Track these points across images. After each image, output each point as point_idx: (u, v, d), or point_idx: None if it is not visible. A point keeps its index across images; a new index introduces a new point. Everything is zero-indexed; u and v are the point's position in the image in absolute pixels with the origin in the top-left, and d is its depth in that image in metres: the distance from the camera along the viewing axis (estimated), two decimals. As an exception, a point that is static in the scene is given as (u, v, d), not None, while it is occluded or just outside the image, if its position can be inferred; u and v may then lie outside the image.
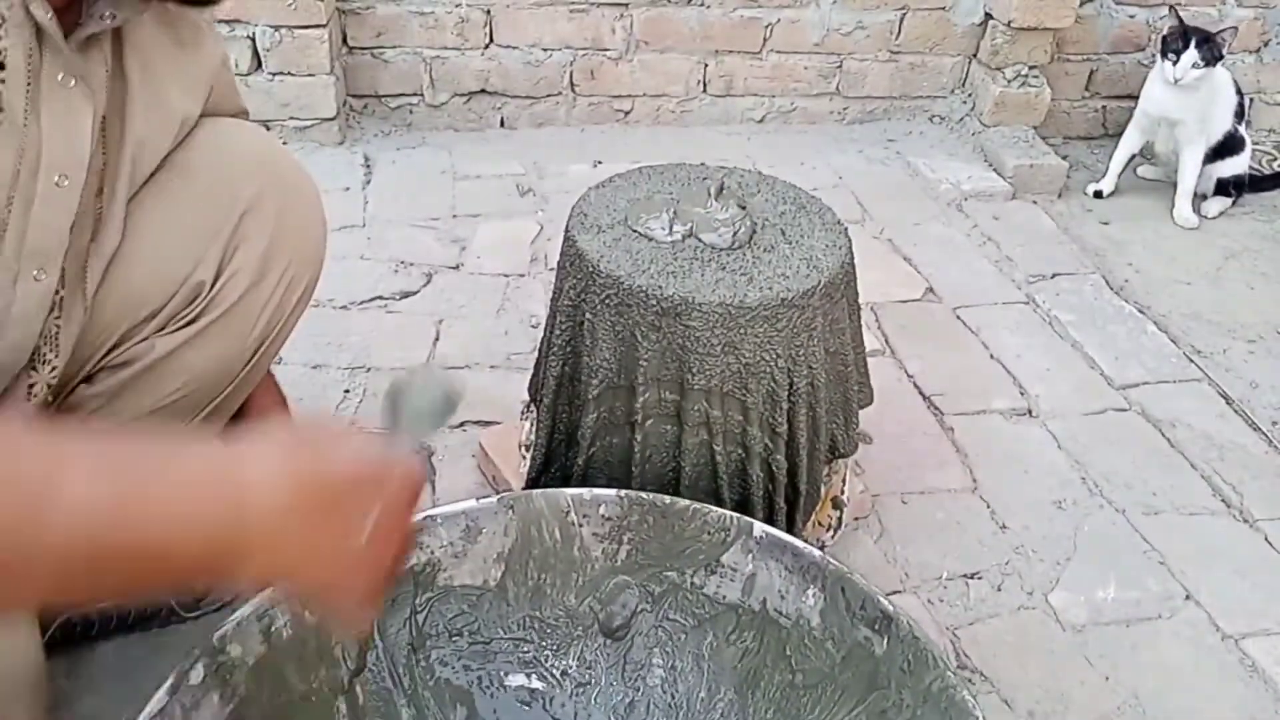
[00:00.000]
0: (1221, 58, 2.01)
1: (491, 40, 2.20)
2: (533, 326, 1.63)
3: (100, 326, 0.83)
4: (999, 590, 1.23)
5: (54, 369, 0.79)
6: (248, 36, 1.99)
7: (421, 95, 2.24)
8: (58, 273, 0.75)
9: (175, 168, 0.83)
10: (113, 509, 0.48)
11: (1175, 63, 2.01)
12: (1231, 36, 2.00)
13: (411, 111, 2.25)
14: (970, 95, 2.43)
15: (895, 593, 1.20)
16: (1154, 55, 2.43)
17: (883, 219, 2.08)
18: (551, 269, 1.75)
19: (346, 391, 1.43)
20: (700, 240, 1.02)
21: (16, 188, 0.68)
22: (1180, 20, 2.04)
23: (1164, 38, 2.06)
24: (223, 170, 0.85)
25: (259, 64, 2.03)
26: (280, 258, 0.88)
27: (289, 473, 0.53)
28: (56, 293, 0.76)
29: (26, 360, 0.77)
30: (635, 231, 1.03)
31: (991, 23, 2.31)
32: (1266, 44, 2.52)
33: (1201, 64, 1.99)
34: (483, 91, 2.26)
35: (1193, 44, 2.00)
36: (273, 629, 0.79)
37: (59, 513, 0.46)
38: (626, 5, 2.22)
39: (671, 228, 1.02)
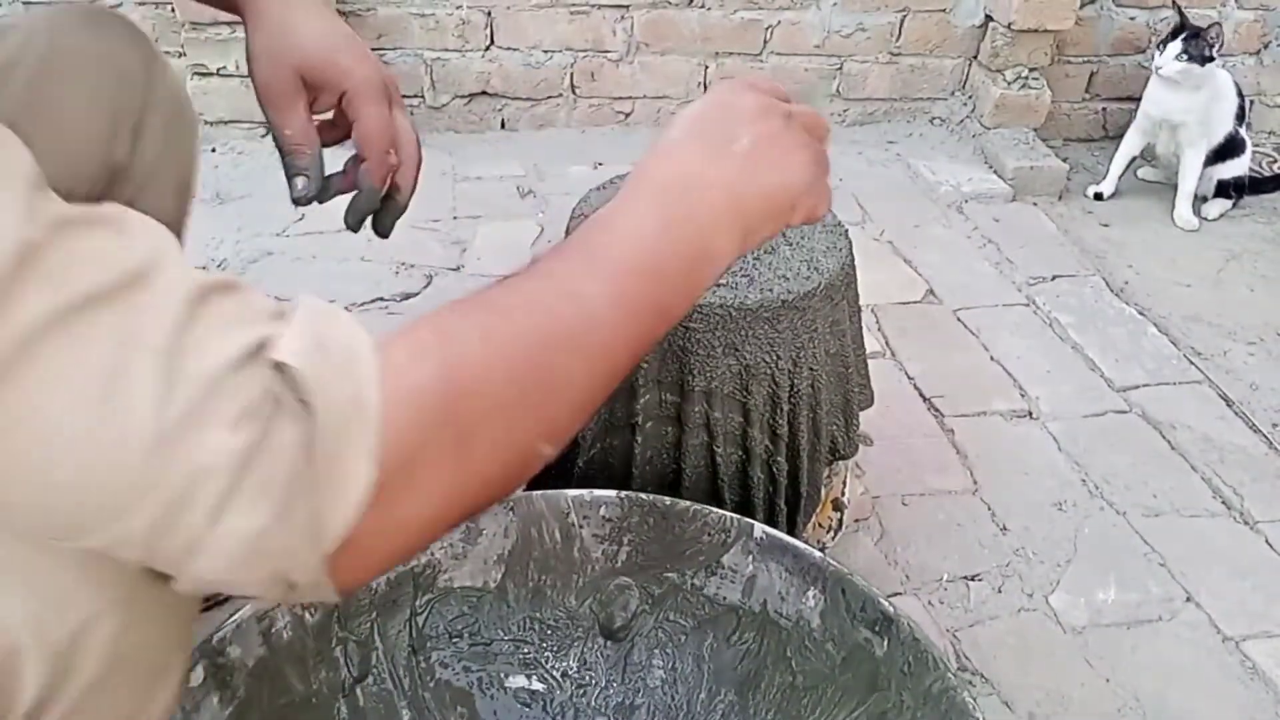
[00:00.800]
0: (1211, 57, 2.01)
1: (492, 42, 2.21)
2: (533, 328, 1.62)
3: None
4: (999, 592, 1.23)
5: None
6: (249, 38, 1.99)
7: (422, 97, 2.25)
8: None
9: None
10: (613, 270, 0.55)
11: (1161, 53, 2.02)
12: (1218, 34, 2.00)
13: (412, 113, 2.25)
14: (970, 97, 2.44)
15: (896, 594, 1.20)
16: (1154, 56, 2.44)
17: (883, 221, 2.08)
18: (552, 271, 1.75)
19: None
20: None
21: None
22: (1182, 16, 2.05)
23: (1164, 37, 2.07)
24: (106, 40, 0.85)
25: (260, 66, 2.03)
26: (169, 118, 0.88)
27: (655, 149, 0.67)
28: None
29: None
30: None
31: (992, 25, 2.32)
32: (1266, 46, 2.52)
33: (1186, 58, 1.99)
34: (483, 93, 2.27)
35: (1180, 37, 2.00)
36: (272, 631, 0.79)
37: (591, 311, 0.53)
38: (627, 7, 2.22)
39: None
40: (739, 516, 0.90)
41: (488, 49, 2.21)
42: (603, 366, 0.54)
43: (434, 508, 0.47)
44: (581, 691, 0.93)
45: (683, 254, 0.59)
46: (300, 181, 0.83)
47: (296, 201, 0.85)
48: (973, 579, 1.24)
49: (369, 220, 0.86)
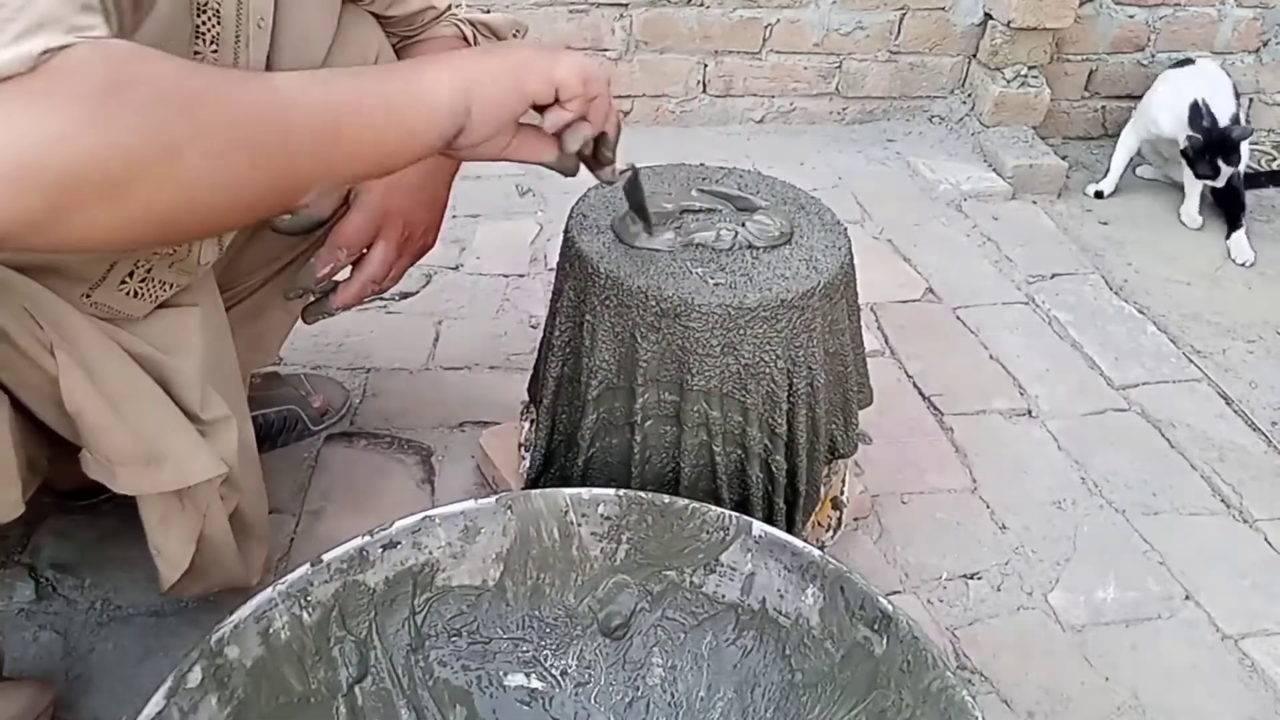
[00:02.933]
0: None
1: (491, 41, 2.20)
2: (532, 327, 1.63)
3: None
4: (999, 590, 1.23)
5: None
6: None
7: (421, 96, 2.24)
8: None
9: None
10: (314, 77, 0.66)
11: (1216, 176, 2.06)
12: (1242, 131, 2.06)
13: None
14: (970, 95, 2.43)
15: (895, 593, 1.20)
16: (1153, 55, 2.45)
17: (882, 219, 2.08)
18: (551, 269, 1.75)
19: (347, 392, 1.43)
20: (699, 241, 1.02)
21: (240, 28, 0.80)
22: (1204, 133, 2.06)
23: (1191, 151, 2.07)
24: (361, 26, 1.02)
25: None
26: None
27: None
28: None
29: None
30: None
31: (991, 23, 2.31)
32: (1265, 44, 2.52)
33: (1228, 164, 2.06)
34: (482, 92, 2.26)
35: (1217, 156, 2.05)
36: (271, 631, 0.79)
37: (275, 82, 0.63)
38: (626, 5, 2.22)
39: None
40: (738, 514, 0.90)
41: (487, 48, 2.21)
42: (270, 124, 0.61)
43: (56, 131, 0.52)
44: (580, 690, 0.93)
45: (394, 88, 0.68)
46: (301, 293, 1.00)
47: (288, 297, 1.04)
48: (972, 577, 1.24)
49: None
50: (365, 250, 0.98)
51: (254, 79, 0.64)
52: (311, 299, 1.05)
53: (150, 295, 0.85)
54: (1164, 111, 2.12)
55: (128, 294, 0.83)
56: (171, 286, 0.86)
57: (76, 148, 0.52)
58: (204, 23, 0.78)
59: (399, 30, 1.06)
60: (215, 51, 0.80)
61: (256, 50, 0.83)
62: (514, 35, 1.12)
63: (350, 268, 0.98)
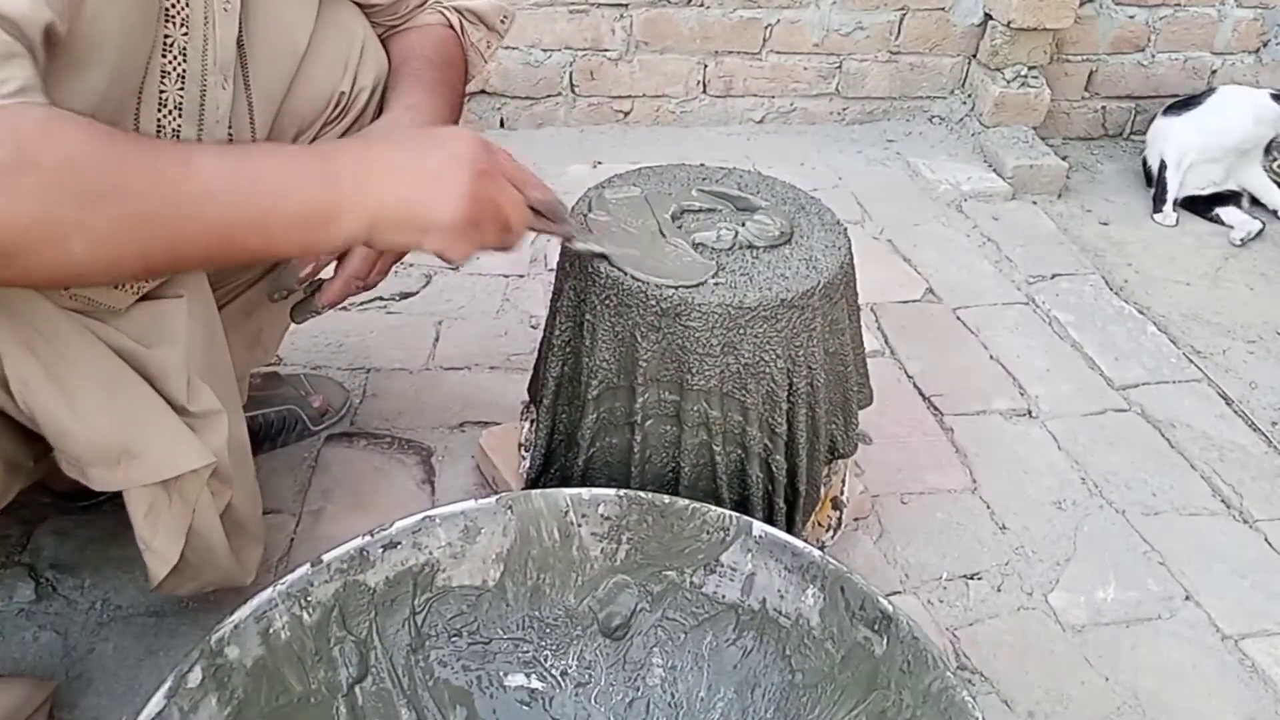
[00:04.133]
0: None
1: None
2: (532, 327, 1.63)
3: (283, 132, 0.99)
4: (999, 591, 1.23)
5: None
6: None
7: (421, 96, 2.24)
8: (234, 83, 0.87)
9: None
10: (235, 173, 0.68)
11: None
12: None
13: (411, 112, 2.25)
14: (970, 96, 2.43)
15: (895, 593, 1.20)
16: (1153, 56, 2.45)
17: (882, 219, 2.08)
18: (551, 269, 1.75)
19: (347, 392, 1.43)
20: (699, 241, 1.02)
21: (208, 10, 0.82)
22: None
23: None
24: (343, 13, 1.03)
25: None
26: (377, 74, 1.04)
27: (369, 138, 0.80)
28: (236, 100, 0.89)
29: None
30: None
31: (991, 23, 2.31)
32: (1265, 44, 2.52)
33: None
34: (482, 92, 2.27)
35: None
36: (271, 631, 0.79)
37: (194, 175, 0.66)
38: (626, 6, 2.22)
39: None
40: (738, 515, 0.90)
41: (493, 55, 2.21)
42: (168, 224, 0.66)
43: None
44: (580, 690, 0.93)
45: (302, 199, 0.71)
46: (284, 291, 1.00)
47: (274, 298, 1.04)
48: (972, 578, 1.24)
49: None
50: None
51: (167, 168, 0.66)
52: (297, 298, 1.04)
53: (132, 287, 0.84)
54: (1231, 120, 2.16)
55: (109, 286, 0.82)
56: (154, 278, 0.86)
57: None
58: (173, 4, 0.79)
59: (383, 20, 1.06)
60: (185, 34, 0.80)
61: (224, 33, 0.83)
62: (501, 22, 1.12)
63: (334, 265, 0.97)
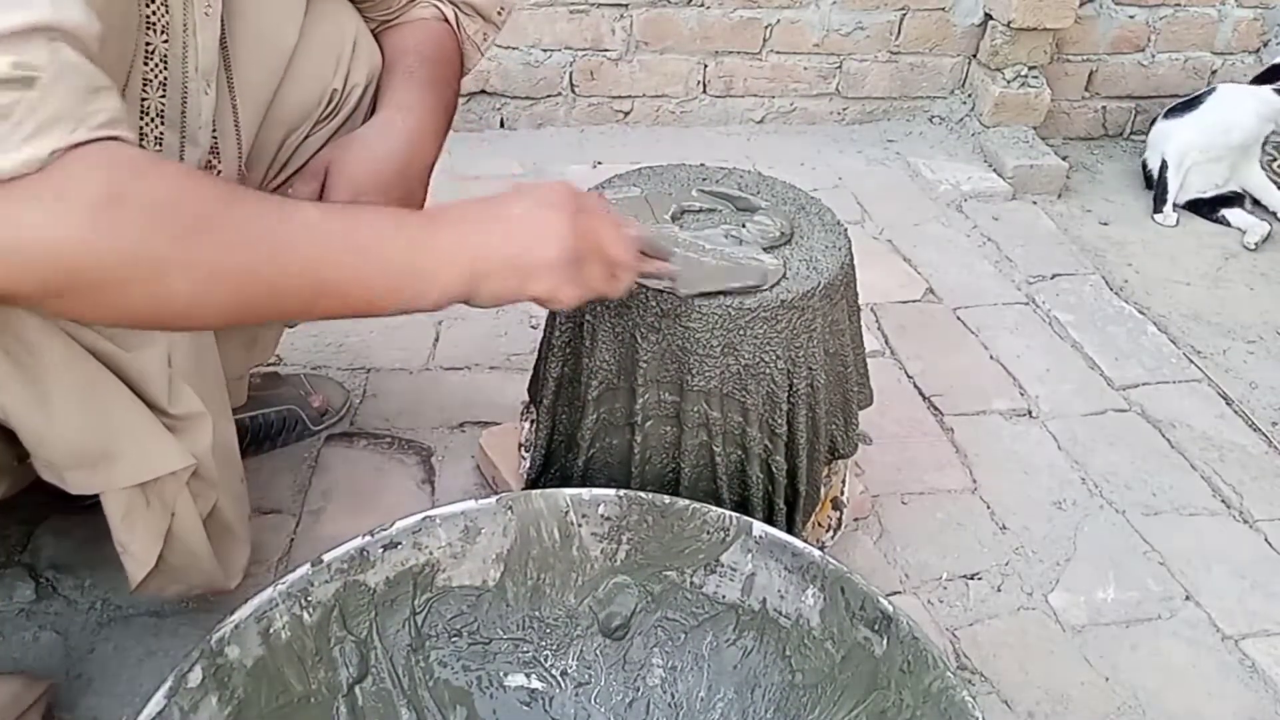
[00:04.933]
0: None
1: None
2: (532, 327, 1.63)
3: (272, 132, 0.99)
4: (999, 591, 1.23)
5: (219, 173, 0.93)
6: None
7: (421, 96, 2.24)
8: (216, 89, 0.87)
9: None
10: (333, 218, 0.69)
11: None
12: None
13: (411, 112, 2.25)
14: (970, 96, 2.43)
15: (895, 593, 1.20)
16: (1153, 56, 2.45)
17: (882, 220, 2.08)
18: (551, 269, 1.75)
19: (347, 392, 1.43)
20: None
21: (187, 16, 0.81)
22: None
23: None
24: (335, 8, 1.02)
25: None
26: (370, 70, 1.04)
27: (469, 202, 0.76)
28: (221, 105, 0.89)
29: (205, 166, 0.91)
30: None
31: (991, 23, 2.31)
32: (1265, 44, 2.52)
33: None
34: (482, 92, 2.27)
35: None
36: (271, 631, 0.79)
37: (291, 217, 0.66)
38: (626, 6, 2.22)
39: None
40: (738, 515, 0.90)
41: (489, 47, 2.21)
42: (264, 266, 0.65)
43: (60, 236, 0.57)
44: (581, 690, 0.93)
45: (402, 252, 0.70)
46: None
47: None
48: (972, 578, 1.24)
49: None
50: None
51: (271, 210, 0.66)
52: None
53: None
54: (1234, 117, 2.16)
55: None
56: None
57: (73, 252, 0.58)
58: (154, 12, 0.78)
59: (376, 15, 1.06)
60: (166, 42, 0.80)
61: (205, 39, 0.83)
62: (498, 14, 1.11)
63: None
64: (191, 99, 0.84)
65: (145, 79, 0.80)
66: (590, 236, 0.77)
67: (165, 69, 0.81)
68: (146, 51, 0.79)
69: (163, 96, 0.82)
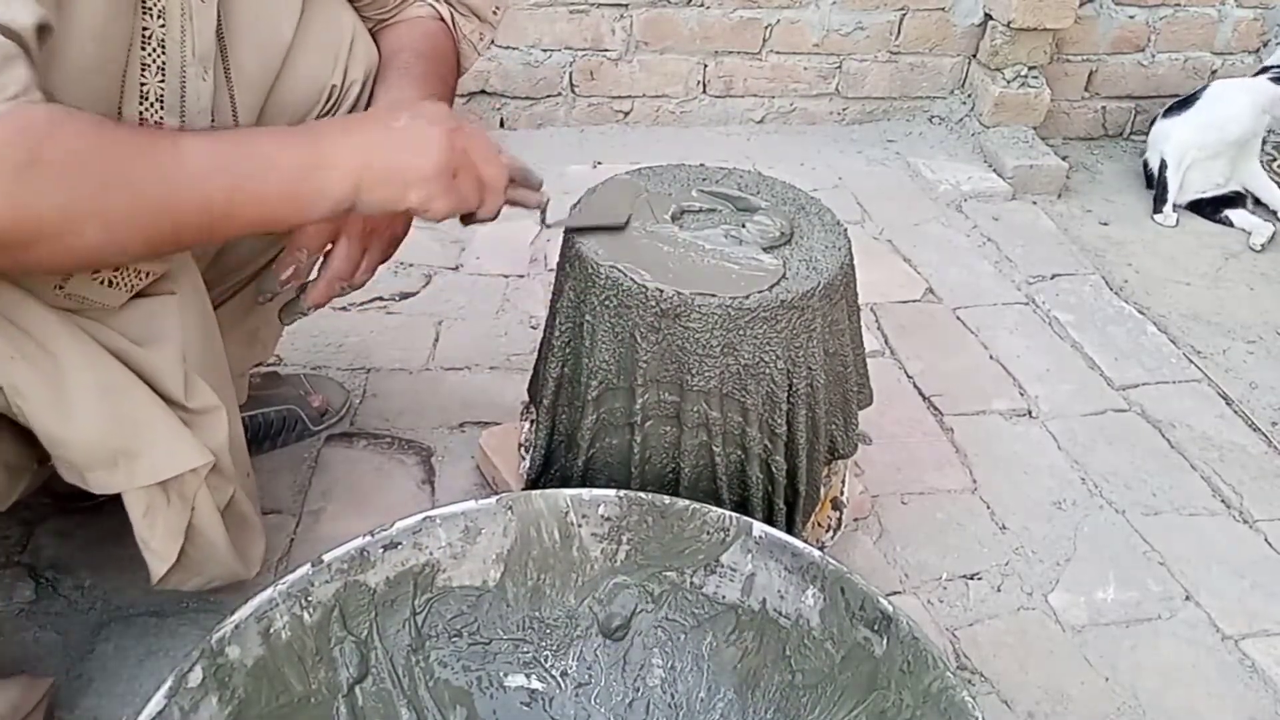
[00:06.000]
0: None
1: (492, 40, 2.20)
2: (532, 327, 1.63)
3: (273, 122, 0.99)
4: (999, 591, 1.23)
5: None
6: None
7: (421, 96, 2.24)
8: (214, 75, 0.89)
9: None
10: (224, 150, 0.73)
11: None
12: None
13: (411, 112, 2.25)
14: (970, 96, 2.43)
15: (895, 593, 1.20)
16: (1153, 56, 2.45)
17: (882, 220, 2.08)
18: (551, 270, 1.75)
19: (347, 392, 1.43)
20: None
21: (184, 0, 0.83)
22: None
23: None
24: (332, 6, 1.03)
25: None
26: (367, 67, 1.05)
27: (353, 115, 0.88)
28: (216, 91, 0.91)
29: None
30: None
31: (991, 23, 2.31)
32: (1265, 44, 2.52)
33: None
34: (482, 92, 2.26)
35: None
36: (271, 631, 0.79)
37: (184, 158, 0.71)
38: (626, 6, 2.22)
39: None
40: (738, 515, 0.90)
41: (487, 47, 2.21)
42: (168, 204, 0.71)
43: None
44: (581, 690, 0.93)
45: (292, 168, 0.75)
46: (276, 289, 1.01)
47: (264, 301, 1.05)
48: (972, 578, 1.24)
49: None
50: (331, 247, 0.97)
51: (163, 153, 0.71)
52: (285, 299, 1.04)
53: (125, 284, 0.84)
54: (1230, 112, 2.16)
55: (102, 283, 0.82)
56: (148, 275, 0.85)
57: None
58: None
59: (372, 13, 1.06)
60: (163, 26, 0.81)
61: (202, 24, 0.84)
62: (494, 13, 1.12)
63: (319, 266, 0.97)
64: (190, 84, 0.85)
65: (143, 63, 0.80)
66: (463, 154, 0.82)
67: (163, 53, 0.82)
68: (144, 36, 0.80)
69: (161, 81, 0.82)
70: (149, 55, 0.81)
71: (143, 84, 0.81)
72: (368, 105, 1.04)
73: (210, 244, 0.89)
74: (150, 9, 0.79)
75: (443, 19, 1.08)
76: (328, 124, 0.82)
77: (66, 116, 0.66)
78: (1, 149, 0.62)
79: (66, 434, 0.81)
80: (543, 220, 0.98)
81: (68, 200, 0.65)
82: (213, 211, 0.73)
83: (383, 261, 0.99)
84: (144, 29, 0.79)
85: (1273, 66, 2.23)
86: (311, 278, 0.96)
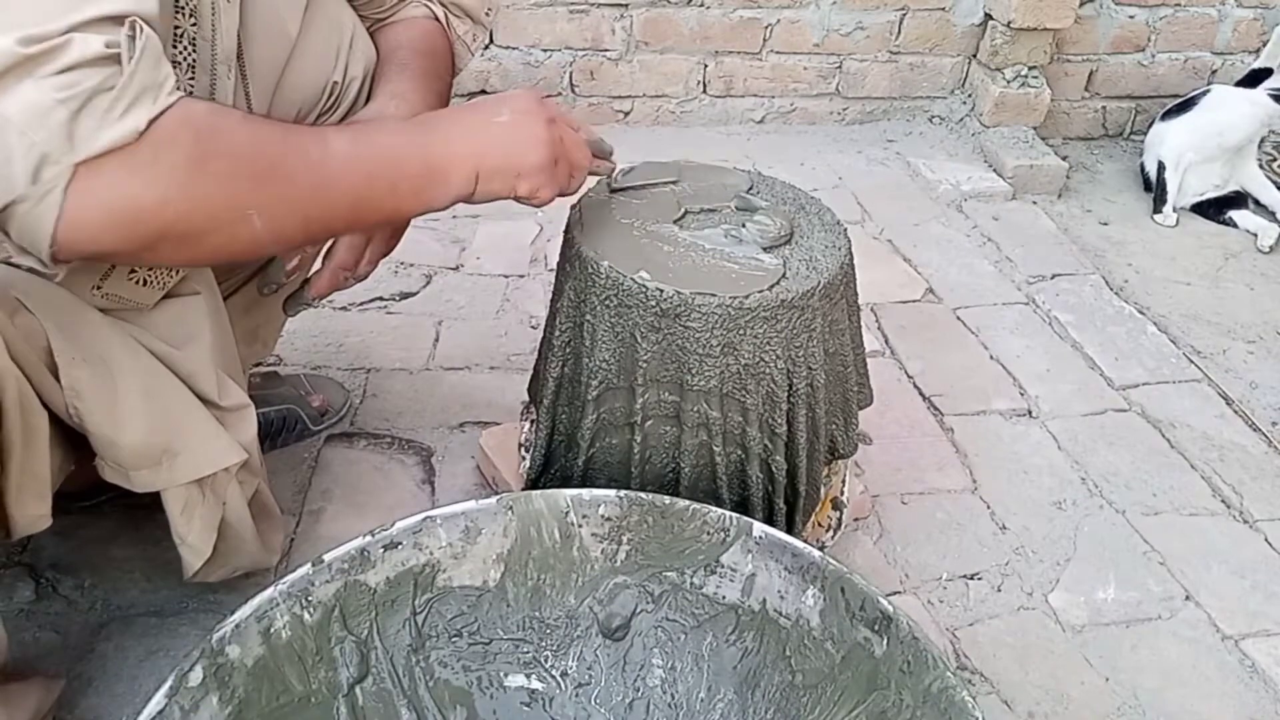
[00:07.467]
0: None
1: (491, 40, 2.20)
2: (532, 327, 1.63)
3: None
4: (999, 591, 1.23)
5: None
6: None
7: (421, 96, 2.24)
8: (235, 73, 0.91)
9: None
10: (362, 146, 0.77)
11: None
12: None
13: (411, 112, 2.25)
14: (970, 96, 2.43)
15: (895, 593, 1.20)
16: (1153, 56, 2.45)
17: (882, 219, 2.08)
18: (551, 269, 1.75)
19: (347, 392, 1.43)
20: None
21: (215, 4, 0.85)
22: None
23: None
24: (332, 5, 1.05)
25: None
26: (367, 64, 1.07)
27: (452, 108, 0.92)
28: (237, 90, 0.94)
29: None
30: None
31: (991, 23, 2.32)
32: (1265, 44, 2.51)
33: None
34: (483, 92, 2.27)
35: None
36: (272, 630, 0.79)
37: (331, 152, 0.74)
38: (626, 6, 2.22)
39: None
40: (738, 515, 0.90)
41: (487, 47, 2.21)
42: (320, 194, 0.74)
43: (160, 196, 0.64)
44: (581, 691, 0.93)
45: (419, 163, 0.80)
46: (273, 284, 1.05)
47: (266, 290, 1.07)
48: (972, 578, 1.24)
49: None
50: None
51: (314, 145, 0.74)
52: (290, 291, 1.05)
53: (158, 282, 0.86)
54: (1229, 119, 2.17)
55: (137, 282, 0.84)
56: (176, 272, 0.88)
57: (172, 209, 0.65)
58: None
59: (370, 13, 1.07)
60: (194, 25, 0.82)
61: (228, 23, 0.85)
62: (486, 15, 1.14)
63: (321, 258, 0.98)
64: (219, 83, 0.87)
65: (175, 61, 0.82)
66: (560, 143, 0.87)
67: (194, 51, 0.84)
68: (175, 34, 0.81)
69: (191, 79, 0.84)
70: (180, 53, 0.82)
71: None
72: (366, 101, 1.05)
73: (350, 233, 0.93)
74: (183, 7, 0.81)
75: (437, 19, 1.10)
76: (444, 120, 0.85)
77: (221, 109, 0.70)
78: (175, 143, 0.64)
79: (118, 436, 0.83)
80: (610, 185, 1.04)
81: (236, 191, 0.68)
82: (358, 201, 0.77)
83: (386, 254, 1.00)
84: (176, 27, 0.81)
85: (1265, 70, 2.23)
86: (315, 269, 0.97)
